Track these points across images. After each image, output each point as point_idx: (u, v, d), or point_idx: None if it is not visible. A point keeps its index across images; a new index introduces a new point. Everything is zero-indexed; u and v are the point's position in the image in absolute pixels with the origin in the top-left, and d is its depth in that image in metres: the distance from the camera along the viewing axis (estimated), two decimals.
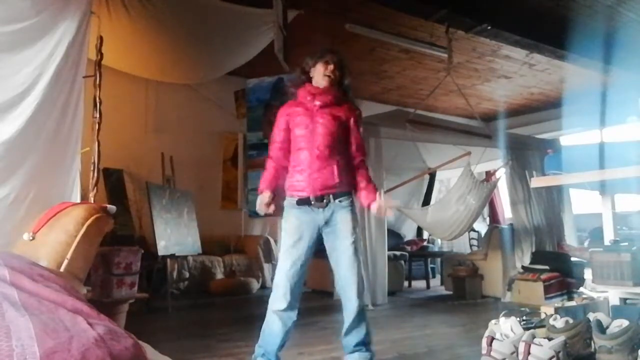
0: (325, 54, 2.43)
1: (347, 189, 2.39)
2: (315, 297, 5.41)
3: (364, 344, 2.34)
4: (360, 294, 2.31)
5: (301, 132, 2.36)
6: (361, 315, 2.32)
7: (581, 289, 3.30)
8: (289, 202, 2.37)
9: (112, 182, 5.83)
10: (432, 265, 7.28)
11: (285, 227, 2.35)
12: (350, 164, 2.43)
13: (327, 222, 2.33)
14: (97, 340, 1.43)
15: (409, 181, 6.01)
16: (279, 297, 2.26)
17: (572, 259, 5.04)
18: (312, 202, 2.30)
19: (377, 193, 2.39)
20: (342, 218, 2.33)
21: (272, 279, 2.73)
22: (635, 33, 5.27)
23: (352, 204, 2.39)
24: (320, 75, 2.40)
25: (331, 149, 2.34)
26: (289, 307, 2.25)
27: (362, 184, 2.44)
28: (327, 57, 2.40)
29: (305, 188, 2.31)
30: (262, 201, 2.35)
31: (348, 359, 2.36)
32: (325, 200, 2.31)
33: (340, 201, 2.34)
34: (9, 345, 1.32)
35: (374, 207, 2.39)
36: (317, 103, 2.37)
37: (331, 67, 2.38)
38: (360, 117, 2.49)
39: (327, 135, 2.34)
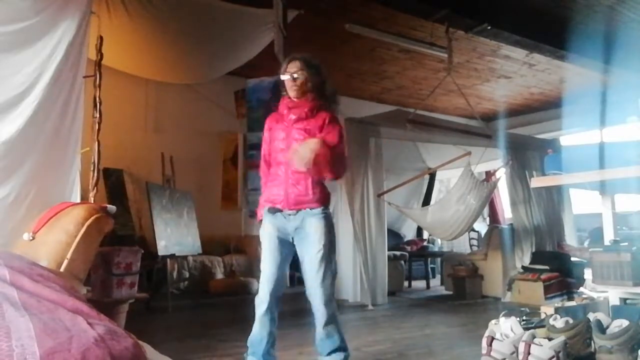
0: (284, 66, 2.33)
1: (322, 203, 2.32)
2: None
3: (339, 349, 2.30)
4: (328, 302, 2.27)
5: (279, 146, 2.32)
6: (331, 322, 2.29)
7: (581, 289, 3.29)
8: (263, 210, 2.39)
9: (112, 182, 5.83)
10: (432, 265, 7.29)
11: (261, 234, 2.37)
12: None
13: (297, 229, 2.30)
14: (97, 340, 1.43)
15: (409, 181, 6.01)
16: (261, 301, 2.28)
17: (572, 259, 5.04)
18: (283, 211, 2.30)
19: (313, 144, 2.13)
20: (312, 225, 2.28)
21: None
22: (635, 33, 5.27)
23: (324, 213, 2.32)
24: (288, 89, 2.33)
25: None
26: (269, 309, 2.26)
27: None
28: (288, 70, 2.31)
29: (281, 201, 2.29)
30: None
31: None
32: (295, 210, 2.30)
33: (311, 208, 2.29)
34: (9, 345, 1.32)
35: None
36: (292, 117, 2.32)
37: (298, 76, 2.29)
38: (334, 125, 2.32)
39: None
